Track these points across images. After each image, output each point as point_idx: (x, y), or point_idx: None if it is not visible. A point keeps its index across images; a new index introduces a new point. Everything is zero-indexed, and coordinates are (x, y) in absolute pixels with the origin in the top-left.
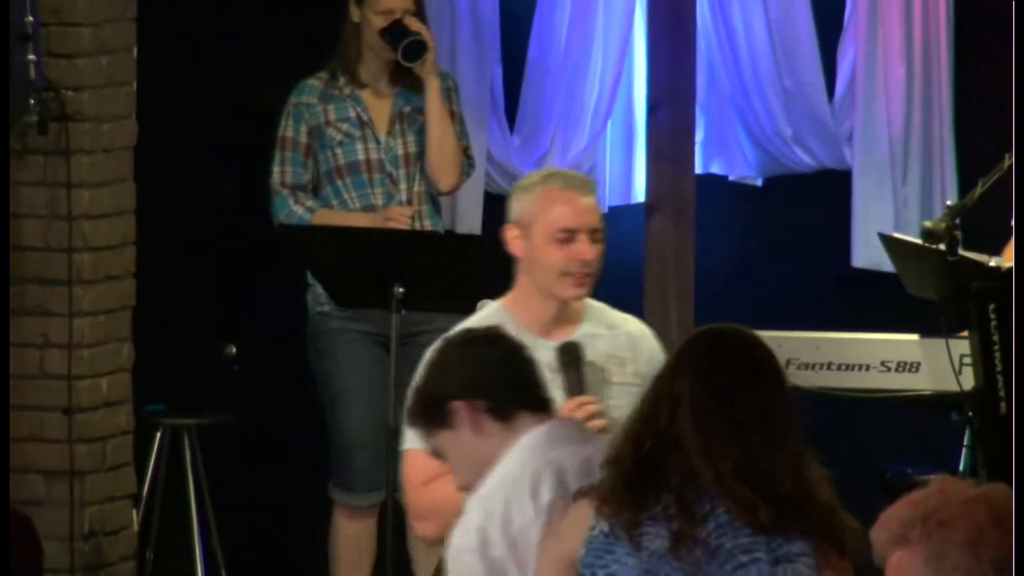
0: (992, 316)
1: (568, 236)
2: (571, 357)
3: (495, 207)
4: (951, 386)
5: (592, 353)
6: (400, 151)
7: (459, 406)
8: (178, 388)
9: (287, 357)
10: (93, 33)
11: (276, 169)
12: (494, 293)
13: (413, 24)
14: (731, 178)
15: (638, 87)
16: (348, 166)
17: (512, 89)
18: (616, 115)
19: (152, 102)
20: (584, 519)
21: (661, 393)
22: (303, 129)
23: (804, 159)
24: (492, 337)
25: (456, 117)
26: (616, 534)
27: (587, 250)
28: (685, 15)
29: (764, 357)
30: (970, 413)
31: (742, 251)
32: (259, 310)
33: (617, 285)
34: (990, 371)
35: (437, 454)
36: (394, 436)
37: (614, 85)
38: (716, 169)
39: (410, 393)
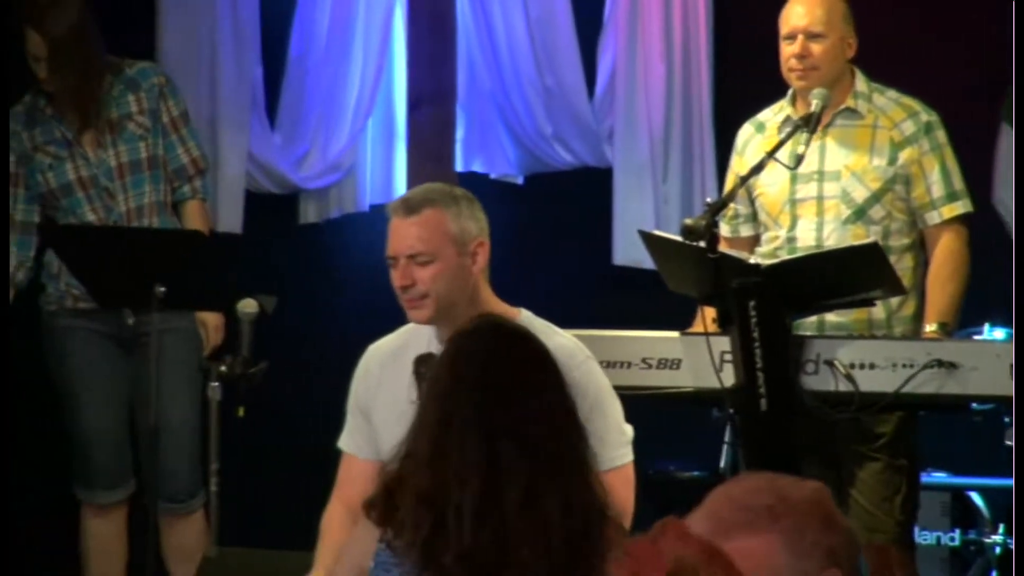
0: (752, 313)
1: (392, 263)
2: (426, 369)
3: (257, 205)
4: (712, 383)
5: None
6: (113, 163)
7: None
8: None
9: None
10: None
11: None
12: (254, 291)
13: None
14: (492, 176)
15: (399, 85)
16: (61, 188)
17: (273, 87)
18: (377, 113)
19: None
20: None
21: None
22: (12, 159)
23: (565, 157)
24: None
25: (178, 120)
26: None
27: (397, 276)
28: (445, 13)
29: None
30: (731, 410)
31: (503, 250)
32: None
33: (374, 288)
34: (750, 368)
35: None
36: (154, 435)
37: (375, 83)
38: (477, 167)
39: None
